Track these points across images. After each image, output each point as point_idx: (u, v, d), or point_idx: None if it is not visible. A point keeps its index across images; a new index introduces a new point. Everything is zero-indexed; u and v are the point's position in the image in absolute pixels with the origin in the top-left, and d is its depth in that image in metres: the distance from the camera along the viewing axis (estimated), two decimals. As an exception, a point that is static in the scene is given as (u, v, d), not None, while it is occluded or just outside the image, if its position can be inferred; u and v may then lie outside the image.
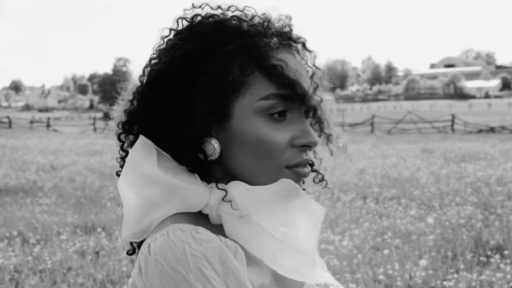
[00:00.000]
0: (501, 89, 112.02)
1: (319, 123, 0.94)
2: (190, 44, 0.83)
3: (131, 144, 0.88)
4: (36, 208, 7.71)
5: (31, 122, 39.37)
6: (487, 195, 7.99)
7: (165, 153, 0.84)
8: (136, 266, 0.76)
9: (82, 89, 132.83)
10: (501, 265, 4.80)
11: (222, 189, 0.82)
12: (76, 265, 5.08)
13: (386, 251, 5.23)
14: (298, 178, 0.85)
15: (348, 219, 6.72)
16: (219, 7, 0.88)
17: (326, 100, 0.93)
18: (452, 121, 27.03)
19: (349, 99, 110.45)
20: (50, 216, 7.16)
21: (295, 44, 0.88)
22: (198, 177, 0.83)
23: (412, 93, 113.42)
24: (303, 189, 0.90)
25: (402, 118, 29.98)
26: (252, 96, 0.81)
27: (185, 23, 0.88)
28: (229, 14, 0.87)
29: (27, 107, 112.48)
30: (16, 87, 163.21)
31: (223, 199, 0.82)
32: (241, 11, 0.89)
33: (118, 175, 0.89)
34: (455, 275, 4.59)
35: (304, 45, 0.90)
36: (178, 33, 0.87)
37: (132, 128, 0.88)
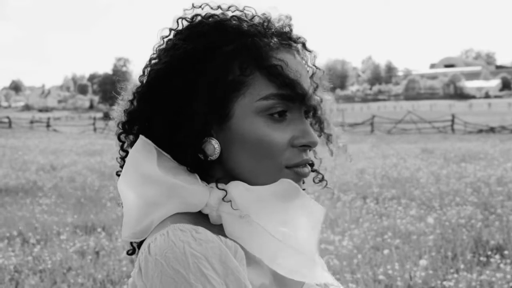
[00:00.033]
0: (501, 89, 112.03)
1: (319, 123, 0.94)
2: (190, 44, 0.83)
3: (131, 144, 0.88)
4: (36, 208, 7.71)
5: (31, 122, 39.37)
6: (487, 195, 7.99)
7: (165, 153, 0.84)
8: (136, 266, 0.76)
9: (82, 89, 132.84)
10: (501, 265, 4.80)
11: (222, 189, 0.82)
12: (76, 265, 5.08)
13: (386, 251, 5.23)
14: (298, 178, 0.85)
15: (348, 219, 6.72)
16: (219, 7, 0.88)
17: (326, 100, 0.93)
18: (452, 121, 27.03)
19: (349, 99, 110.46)
20: (50, 216, 7.16)
21: (295, 44, 0.88)
22: (198, 177, 0.83)
23: (412, 93, 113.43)
24: (303, 189, 0.90)
25: (402, 118, 29.99)
26: (252, 96, 0.81)
27: (185, 23, 0.88)
28: (229, 14, 0.87)
29: (27, 107, 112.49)
30: (16, 87, 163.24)
31: (223, 199, 0.82)
32: (241, 11, 0.89)
33: (118, 175, 0.89)
34: (455, 275, 4.59)
35: (304, 45, 0.90)
36: (178, 33, 0.87)
37: (132, 128, 0.88)
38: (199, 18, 0.87)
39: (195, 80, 0.82)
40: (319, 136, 0.93)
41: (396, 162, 12.70)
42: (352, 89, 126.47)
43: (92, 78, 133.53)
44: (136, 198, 0.83)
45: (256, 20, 0.87)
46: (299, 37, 0.89)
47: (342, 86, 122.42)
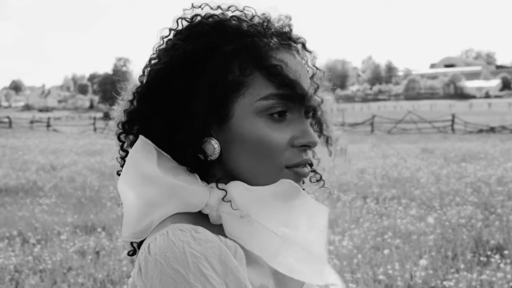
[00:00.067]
0: (501, 89, 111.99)
1: (319, 124, 0.94)
2: (190, 44, 0.83)
3: (131, 144, 0.88)
4: (36, 208, 7.71)
5: (31, 122, 39.37)
6: (487, 195, 7.99)
7: (164, 153, 0.84)
8: (136, 266, 0.76)
9: (82, 89, 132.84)
10: (501, 265, 4.80)
11: (222, 189, 0.82)
12: (76, 265, 5.08)
13: (386, 251, 5.23)
14: (298, 178, 0.85)
15: (348, 219, 6.72)
16: (219, 7, 0.88)
17: (326, 101, 0.93)
18: (452, 121, 27.03)
19: (349, 99, 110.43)
20: (50, 216, 7.16)
21: (294, 44, 0.88)
22: (198, 177, 0.83)
23: (412, 93, 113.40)
24: (303, 189, 0.90)
25: (402, 118, 29.98)
26: (252, 96, 0.81)
27: (185, 23, 0.88)
28: (229, 14, 0.87)
29: (27, 107, 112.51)
30: (16, 87, 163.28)
31: (223, 199, 0.82)
32: (241, 11, 0.89)
33: (119, 175, 0.89)
34: (455, 275, 4.59)
35: (303, 45, 0.90)
36: (178, 33, 0.87)
37: (132, 128, 0.88)
38: (198, 18, 0.87)
39: (195, 80, 0.82)
40: (319, 137, 0.93)
41: (396, 162, 12.70)
42: (352, 89, 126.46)
43: (92, 78, 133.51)
44: (136, 198, 0.83)
45: (256, 20, 0.87)
46: (299, 37, 0.89)
47: (342, 86, 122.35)
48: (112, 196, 8.37)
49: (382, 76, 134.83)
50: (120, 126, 0.89)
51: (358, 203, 7.64)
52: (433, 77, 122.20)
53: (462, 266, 4.83)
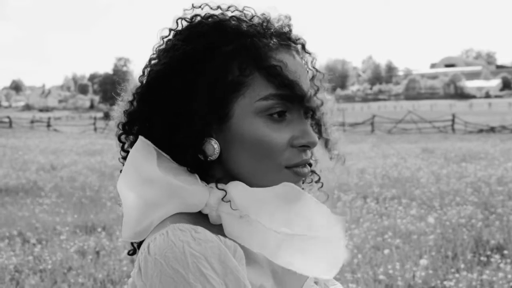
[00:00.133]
0: (502, 89, 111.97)
1: (318, 125, 0.93)
2: (190, 44, 0.83)
3: (131, 145, 0.88)
4: (37, 208, 7.71)
5: (32, 122, 39.37)
6: (487, 195, 7.99)
7: (164, 153, 0.84)
8: (136, 266, 0.76)
9: (83, 89, 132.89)
10: (502, 265, 4.80)
11: (222, 189, 0.82)
12: (76, 265, 5.08)
13: (386, 251, 5.23)
14: (298, 178, 0.85)
15: (349, 218, 6.72)
16: (218, 7, 0.88)
17: (326, 103, 0.93)
18: (453, 121, 27.02)
19: (350, 98, 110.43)
20: (51, 216, 7.16)
21: (294, 45, 0.88)
22: (198, 177, 0.83)
23: (413, 92, 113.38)
24: (302, 189, 0.90)
25: (403, 118, 29.97)
26: (252, 96, 0.81)
27: (185, 24, 0.88)
28: (229, 14, 0.87)
29: (27, 107, 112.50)
30: (16, 87, 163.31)
31: (222, 199, 0.82)
32: (240, 11, 0.88)
33: (122, 175, 0.89)
34: (456, 275, 4.59)
35: (303, 46, 0.90)
36: (177, 33, 0.87)
37: (132, 128, 0.88)
38: (198, 18, 0.87)
39: (195, 80, 0.82)
40: (318, 138, 0.93)
41: (396, 162, 12.69)
42: (352, 88, 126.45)
43: (92, 78, 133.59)
44: (136, 199, 0.83)
45: (256, 20, 0.87)
46: (299, 38, 0.89)
47: (343, 86, 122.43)
48: (112, 196, 8.37)
49: (382, 76, 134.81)
50: (120, 127, 0.89)
51: (358, 203, 7.64)
52: (433, 77, 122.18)
53: (462, 266, 4.83)
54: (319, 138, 0.93)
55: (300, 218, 0.85)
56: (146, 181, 0.82)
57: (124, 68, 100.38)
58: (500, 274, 4.51)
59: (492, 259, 5.00)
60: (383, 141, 20.63)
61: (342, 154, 0.98)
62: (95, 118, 38.25)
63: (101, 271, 4.90)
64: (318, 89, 0.90)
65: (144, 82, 0.87)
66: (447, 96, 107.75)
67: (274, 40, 0.85)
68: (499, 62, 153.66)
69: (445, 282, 4.46)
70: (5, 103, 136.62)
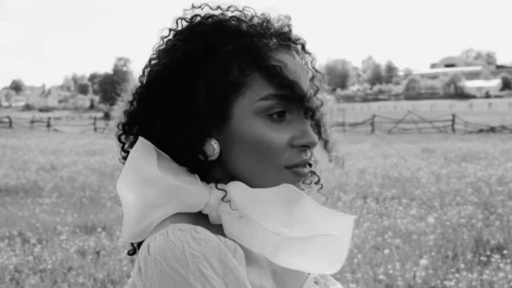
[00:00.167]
0: (502, 89, 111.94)
1: (318, 126, 0.93)
2: (189, 44, 0.83)
3: (131, 145, 0.88)
4: (37, 208, 7.71)
5: (32, 122, 39.37)
6: (487, 195, 7.99)
7: (164, 154, 0.84)
8: (136, 266, 0.76)
9: (83, 89, 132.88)
10: (502, 265, 4.80)
11: (222, 189, 0.82)
12: (76, 265, 5.08)
13: (386, 251, 5.23)
14: (298, 178, 0.85)
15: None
16: (218, 7, 0.88)
17: (326, 103, 0.93)
18: (453, 121, 27.01)
19: (350, 98, 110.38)
20: (51, 216, 7.16)
21: (294, 45, 0.87)
22: (198, 177, 0.83)
23: (413, 92, 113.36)
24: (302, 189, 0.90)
25: (403, 118, 29.97)
26: (252, 96, 0.81)
27: (185, 24, 0.88)
28: (229, 14, 0.87)
29: (27, 107, 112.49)
30: (16, 87, 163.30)
31: (222, 199, 0.82)
32: (240, 11, 0.88)
33: (122, 175, 0.89)
34: (456, 275, 4.59)
35: (303, 47, 0.90)
36: (177, 33, 0.87)
37: (132, 129, 0.88)
38: (198, 18, 0.87)
39: (195, 80, 0.82)
40: (318, 138, 0.93)
41: (396, 161, 12.69)
42: (352, 88, 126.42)
43: (92, 78, 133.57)
44: (136, 199, 0.83)
45: (255, 20, 0.87)
46: (299, 38, 0.89)
47: (343, 86, 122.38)
48: (112, 196, 8.37)
49: (382, 76, 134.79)
50: (120, 127, 0.89)
51: (359, 203, 7.64)
52: (434, 77, 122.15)
53: (462, 266, 4.83)
54: (318, 139, 0.93)
55: (300, 219, 0.85)
56: (146, 181, 0.82)
57: (124, 68, 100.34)
58: (500, 274, 4.51)
59: (492, 259, 5.00)
60: (383, 141, 20.63)
61: (341, 156, 0.98)
62: (95, 118, 38.24)
63: (101, 271, 4.90)
64: (318, 89, 0.90)
65: (144, 82, 0.87)
66: (447, 96, 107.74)
67: (274, 40, 0.85)
68: (499, 62, 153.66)
69: (445, 282, 4.46)
70: (5, 103, 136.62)
